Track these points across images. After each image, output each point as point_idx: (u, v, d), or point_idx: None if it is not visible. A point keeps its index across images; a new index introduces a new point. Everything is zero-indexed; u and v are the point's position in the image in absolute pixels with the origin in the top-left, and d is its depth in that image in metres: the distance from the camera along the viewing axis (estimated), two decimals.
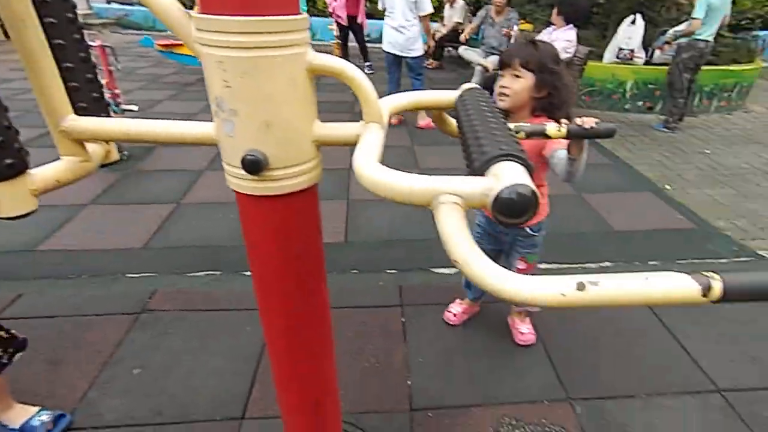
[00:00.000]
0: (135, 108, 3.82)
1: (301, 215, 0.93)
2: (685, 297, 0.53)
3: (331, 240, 2.66)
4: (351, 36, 6.94)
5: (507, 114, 1.49)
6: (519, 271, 1.74)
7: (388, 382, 1.68)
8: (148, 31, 9.90)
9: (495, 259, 1.74)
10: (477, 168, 0.63)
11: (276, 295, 0.97)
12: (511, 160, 0.62)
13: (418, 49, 4.56)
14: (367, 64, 7.23)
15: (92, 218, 2.81)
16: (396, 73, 4.75)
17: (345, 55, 7.17)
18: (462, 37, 5.68)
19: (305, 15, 0.79)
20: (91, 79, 0.98)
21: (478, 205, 0.58)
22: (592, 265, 2.43)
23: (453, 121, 1.15)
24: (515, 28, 5.09)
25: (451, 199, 0.60)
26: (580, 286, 0.54)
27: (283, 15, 0.72)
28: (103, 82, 3.21)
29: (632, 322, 2.01)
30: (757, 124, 5.37)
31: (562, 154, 1.38)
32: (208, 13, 0.68)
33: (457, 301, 2.03)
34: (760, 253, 2.66)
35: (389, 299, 2.11)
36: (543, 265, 2.42)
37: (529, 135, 1.16)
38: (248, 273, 2.40)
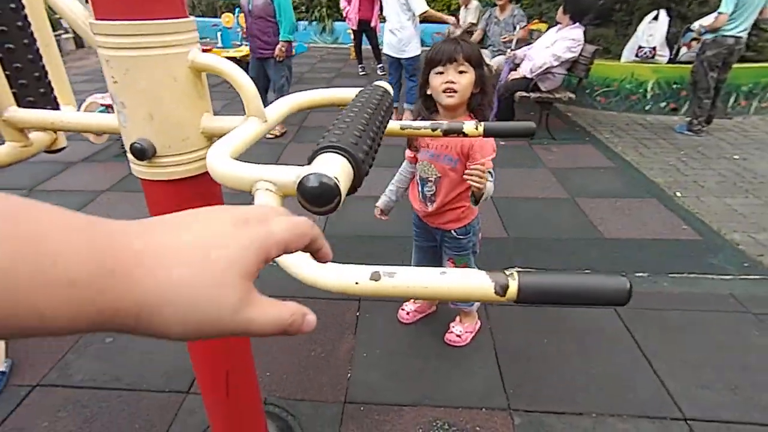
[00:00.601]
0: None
1: (202, 199, 1.01)
2: (479, 294, 0.57)
3: None
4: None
5: (451, 110, 1.49)
6: None
7: (329, 373, 1.75)
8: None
9: (432, 256, 1.77)
10: (309, 158, 0.69)
11: None
12: (335, 152, 0.67)
13: (411, 50, 4.60)
14: (380, 66, 7.43)
15: (107, 204, 3.03)
16: (396, 74, 4.83)
17: (359, 57, 7.37)
18: (473, 40, 5.60)
19: (190, 18, 0.87)
20: (38, 77, 1.11)
21: (291, 193, 0.63)
22: None
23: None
24: (518, 27, 5.01)
25: (265, 186, 0.66)
26: (375, 276, 0.58)
27: (168, 18, 0.80)
28: None
29: (599, 332, 1.98)
30: None
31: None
32: (98, 19, 0.78)
33: (411, 299, 2.06)
34: None
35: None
36: (516, 270, 2.41)
37: (447, 133, 1.19)
38: None
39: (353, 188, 0.72)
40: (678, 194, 3.37)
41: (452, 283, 0.58)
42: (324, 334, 1.94)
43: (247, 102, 0.89)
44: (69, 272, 0.23)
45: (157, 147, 0.88)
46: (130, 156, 0.88)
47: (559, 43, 4.29)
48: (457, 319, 1.93)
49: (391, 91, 1.07)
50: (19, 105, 1.05)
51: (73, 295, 0.23)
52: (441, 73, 1.44)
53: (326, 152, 0.69)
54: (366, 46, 7.22)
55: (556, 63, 4.27)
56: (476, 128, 1.19)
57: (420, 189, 1.68)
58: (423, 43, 4.66)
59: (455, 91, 1.43)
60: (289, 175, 0.64)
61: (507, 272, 0.57)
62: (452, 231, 1.68)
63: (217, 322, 0.27)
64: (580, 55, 4.30)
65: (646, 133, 4.73)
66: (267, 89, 4.54)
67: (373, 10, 6.64)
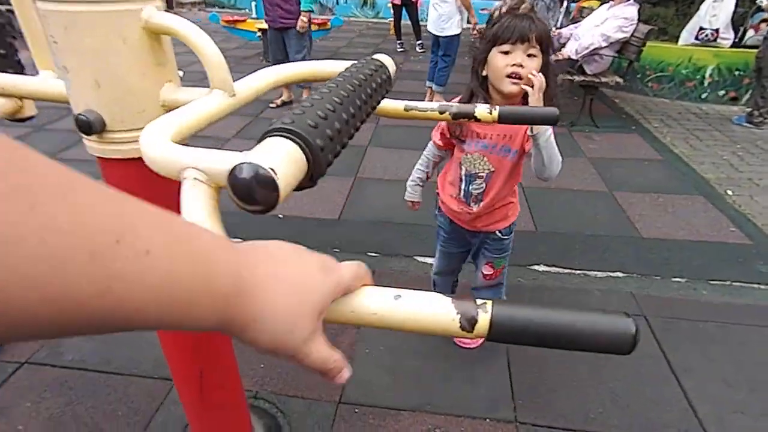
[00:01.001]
0: (181, 73, 4.06)
1: (166, 184, 0.90)
2: (440, 327, 0.44)
3: (325, 216, 2.64)
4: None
5: (510, 99, 1.26)
6: (485, 276, 1.60)
7: None
8: (229, 9, 10.48)
9: (462, 261, 1.58)
10: (258, 140, 0.55)
11: None
12: (284, 137, 0.53)
13: (450, 28, 4.34)
14: (419, 42, 7.18)
15: None
16: (436, 52, 4.54)
17: (398, 33, 7.15)
18: None
19: None
20: (3, 42, 1.03)
21: (223, 185, 0.50)
22: (599, 274, 2.20)
23: (385, 103, 1.05)
24: (566, 3, 4.62)
25: (194, 175, 0.54)
26: None
27: None
28: None
29: None
30: None
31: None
32: None
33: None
34: None
35: None
36: (542, 267, 2.23)
37: (456, 117, 1.03)
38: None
39: (310, 180, 0.58)
40: (729, 192, 3.06)
41: (408, 311, 0.45)
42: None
43: (210, 72, 0.76)
44: (221, 287, 0.29)
45: (106, 120, 0.77)
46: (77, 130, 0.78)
47: (609, 21, 3.94)
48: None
49: (390, 66, 0.91)
50: None
51: (219, 304, 0.29)
52: (507, 53, 1.21)
53: (275, 136, 0.55)
54: (406, 21, 7.00)
55: (604, 44, 3.93)
56: (490, 113, 1.03)
57: (463, 187, 1.42)
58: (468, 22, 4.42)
59: (520, 78, 1.21)
60: (223, 162, 0.50)
61: (478, 302, 0.43)
62: (497, 232, 1.48)
63: (290, 343, 0.33)
64: (632, 35, 3.94)
65: (699, 123, 4.34)
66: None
67: None
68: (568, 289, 2.09)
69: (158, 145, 0.58)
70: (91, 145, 0.81)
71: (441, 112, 1.06)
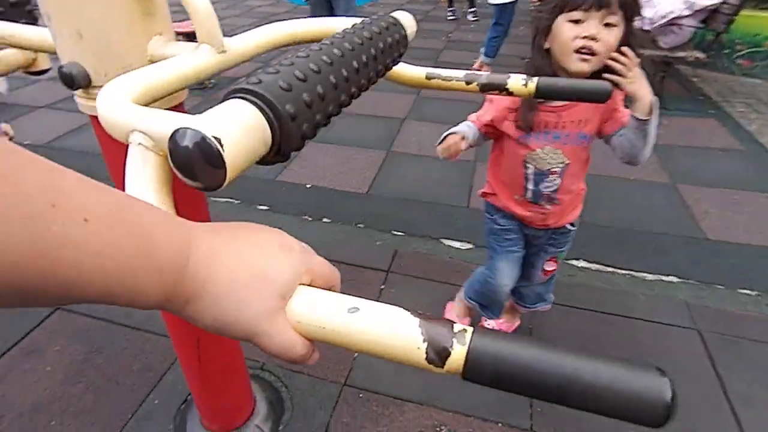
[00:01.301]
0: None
1: None
2: (402, 356, 0.37)
3: (353, 189, 2.58)
4: None
5: (580, 77, 1.04)
6: (546, 273, 1.43)
7: (335, 348, 1.61)
8: None
9: (519, 263, 1.41)
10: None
11: None
12: (245, 99, 0.45)
13: None
14: (471, 10, 6.79)
15: None
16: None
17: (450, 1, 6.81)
18: None
19: None
20: None
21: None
22: (649, 276, 1.99)
23: (405, 68, 0.95)
24: None
25: (138, 139, 0.47)
26: None
27: None
28: None
29: (672, 356, 1.61)
30: None
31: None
32: None
33: (455, 314, 1.71)
34: None
35: (378, 262, 1.99)
36: (581, 263, 2.05)
37: (484, 89, 0.91)
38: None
39: (279, 154, 0.49)
40: None
41: (364, 329, 0.37)
42: None
43: (197, 25, 0.67)
44: (162, 263, 0.29)
45: (90, 74, 0.72)
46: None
47: None
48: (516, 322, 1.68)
49: (408, 24, 0.80)
50: None
51: (160, 280, 0.29)
52: (578, 21, 1.00)
53: (235, 98, 0.47)
54: None
55: (687, 12, 3.47)
56: (525, 85, 0.89)
57: (531, 187, 1.21)
58: None
59: (593, 54, 1.01)
60: (167, 126, 0.43)
61: (455, 328, 0.34)
62: (567, 225, 1.30)
63: (240, 321, 0.32)
64: (723, 2, 3.45)
65: None
66: None
67: None
68: (608, 290, 1.91)
69: (111, 103, 0.51)
70: (80, 101, 0.77)
71: (468, 83, 0.94)
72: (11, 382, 1.47)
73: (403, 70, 0.94)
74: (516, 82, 0.90)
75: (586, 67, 1.03)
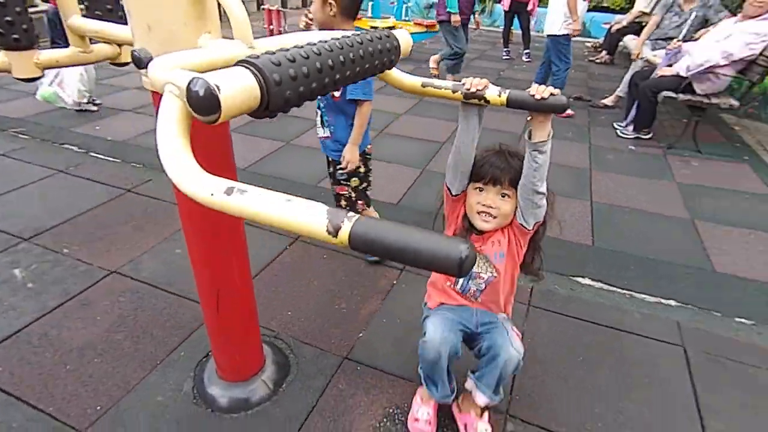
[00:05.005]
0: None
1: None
2: (312, 230, 0.53)
3: (384, 200, 2.77)
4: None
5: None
6: (519, 336, 1.34)
7: (343, 327, 1.77)
8: None
9: (451, 325, 1.28)
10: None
11: None
12: (245, 67, 0.66)
13: (551, 27, 4.30)
14: (526, 51, 7.09)
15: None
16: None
17: (505, 40, 7.14)
18: (643, 35, 4.71)
19: None
20: None
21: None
22: (648, 298, 2.02)
23: (403, 76, 1.14)
24: (715, 20, 4.08)
25: (169, 89, 0.68)
26: (229, 191, 0.58)
27: None
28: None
29: (652, 367, 1.64)
30: None
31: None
32: None
33: (420, 397, 1.43)
34: None
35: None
36: (586, 281, 2.11)
37: (467, 96, 1.08)
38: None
39: (266, 110, 0.69)
40: None
41: (292, 213, 0.54)
42: (353, 291, 1.96)
43: (234, 25, 0.90)
44: None
45: (154, 58, 0.96)
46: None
47: (735, 37, 3.48)
48: (470, 413, 1.39)
49: (402, 38, 1.00)
50: (89, 16, 1.22)
51: None
52: (481, 191, 1.22)
53: (240, 66, 0.68)
54: (517, 30, 6.94)
55: (724, 62, 3.49)
56: (499, 95, 1.06)
57: (461, 281, 1.33)
58: (588, 34, 4.30)
59: (494, 217, 1.21)
60: (188, 78, 0.63)
61: (349, 215, 0.51)
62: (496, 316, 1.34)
63: None
64: (761, 53, 3.45)
65: None
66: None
67: None
68: (605, 305, 1.96)
69: (155, 66, 0.73)
70: (145, 79, 0.99)
71: (453, 91, 1.12)
72: (67, 326, 1.72)
73: (403, 77, 1.14)
74: (492, 92, 1.07)
75: (487, 227, 1.22)
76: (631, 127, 4.03)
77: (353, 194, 1.98)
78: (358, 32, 0.90)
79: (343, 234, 0.49)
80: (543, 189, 1.14)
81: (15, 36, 1.09)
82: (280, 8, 5.95)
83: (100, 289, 1.91)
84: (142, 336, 1.68)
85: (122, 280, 1.96)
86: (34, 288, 1.89)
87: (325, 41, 0.79)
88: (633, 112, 4.04)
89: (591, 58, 7.38)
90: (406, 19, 6.72)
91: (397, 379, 1.56)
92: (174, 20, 0.90)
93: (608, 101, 4.90)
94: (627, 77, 4.59)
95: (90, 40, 1.25)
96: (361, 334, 1.74)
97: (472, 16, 5.27)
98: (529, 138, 1.12)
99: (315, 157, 3.30)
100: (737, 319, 1.91)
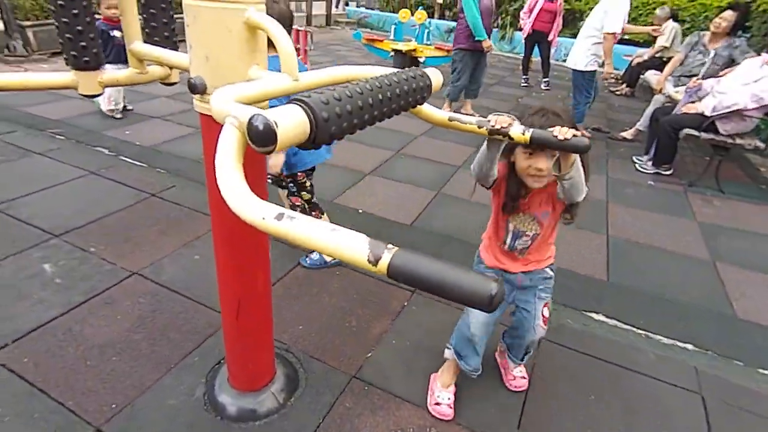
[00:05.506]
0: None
1: None
2: (354, 259, 0.58)
3: (399, 219, 2.81)
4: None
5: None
6: (545, 320, 1.52)
7: (353, 345, 1.80)
8: (378, 31, 11.44)
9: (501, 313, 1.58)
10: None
11: (221, 205, 1.26)
12: (298, 105, 0.72)
13: (576, 62, 4.40)
14: (545, 80, 7.15)
15: None
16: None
17: (524, 67, 7.24)
18: (666, 72, 4.76)
19: None
20: (166, 23, 1.39)
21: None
22: (665, 340, 2.00)
23: (432, 110, 1.20)
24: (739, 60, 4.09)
25: (230, 120, 0.75)
26: (279, 216, 0.64)
27: None
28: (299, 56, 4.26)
29: (668, 413, 1.62)
30: None
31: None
32: None
33: (440, 383, 1.60)
34: None
35: None
36: (599, 317, 2.11)
37: (491, 132, 1.14)
38: None
39: (314, 142, 0.76)
40: None
41: (335, 242, 0.59)
42: (364, 309, 2.00)
43: (282, 59, 0.98)
44: None
45: (207, 85, 1.04)
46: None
47: (766, 81, 3.48)
48: (508, 360, 1.69)
49: (433, 77, 1.06)
50: (148, 42, 1.32)
51: None
52: (530, 155, 1.27)
53: (293, 103, 0.75)
54: (537, 58, 7.01)
55: (753, 105, 3.48)
56: (523, 133, 1.10)
57: (509, 241, 1.45)
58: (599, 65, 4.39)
59: (545, 176, 1.28)
60: (249, 113, 0.70)
61: (389, 246, 0.55)
62: (547, 269, 1.50)
63: None
64: None
65: None
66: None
67: (553, 23, 6.38)
68: (619, 343, 1.95)
69: (219, 99, 0.80)
70: (197, 102, 1.08)
71: (479, 127, 1.18)
72: (90, 323, 1.79)
73: (432, 112, 1.20)
74: (516, 130, 1.12)
75: (538, 185, 1.30)
76: (651, 162, 4.03)
77: (306, 206, 2.24)
78: (396, 72, 0.97)
79: (383, 264, 0.54)
80: (582, 198, 1.26)
81: (86, 59, 1.19)
82: (307, 28, 6.17)
83: (123, 289, 1.99)
84: (159, 338, 1.74)
85: (143, 282, 2.04)
86: (62, 283, 1.98)
87: (367, 81, 0.86)
88: (653, 148, 4.04)
89: (612, 89, 7.40)
90: (428, 42, 6.83)
91: (404, 402, 1.58)
92: (230, 53, 0.98)
93: (628, 134, 4.89)
94: (648, 111, 4.59)
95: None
96: (370, 354, 1.77)
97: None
98: (558, 171, 1.21)
99: (332, 173, 3.38)
100: (760, 370, 1.88)
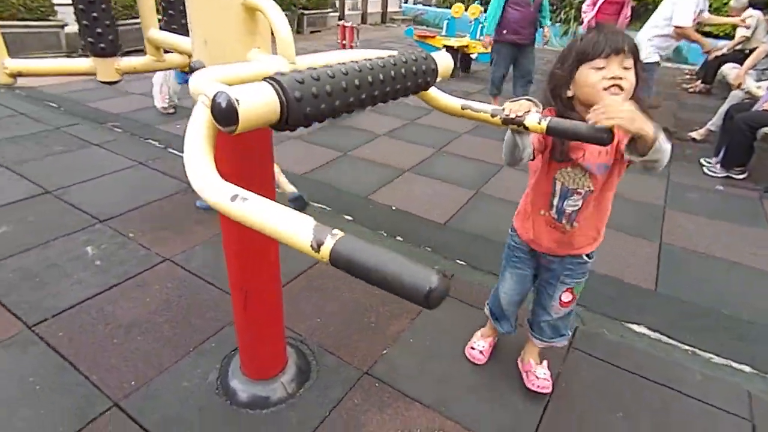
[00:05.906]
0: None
1: None
2: (296, 243, 0.56)
3: (433, 218, 2.75)
4: None
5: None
6: (563, 304, 1.47)
7: (369, 341, 1.77)
8: (432, 27, 11.21)
9: (523, 282, 1.53)
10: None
11: None
12: (267, 82, 0.70)
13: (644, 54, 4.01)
14: None
15: None
16: None
17: None
18: (747, 64, 4.31)
19: None
20: (183, 10, 1.42)
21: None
22: (716, 359, 1.80)
23: (443, 97, 1.15)
24: None
25: (201, 99, 0.74)
26: (233, 197, 0.62)
27: None
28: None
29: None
30: None
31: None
32: None
33: (480, 333, 1.80)
34: None
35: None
36: (641, 329, 1.94)
37: (506, 122, 1.07)
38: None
39: (285, 123, 0.73)
40: None
41: (282, 224, 0.56)
42: (384, 306, 1.96)
43: (278, 42, 0.97)
44: None
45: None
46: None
47: None
48: (530, 360, 1.62)
49: (441, 60, 1.01)
50: (166, 29, 1.37)
51: None
52: (601, 68, 1.11)
53: (264, 81, 0.73)
54: None
55: None
56: (539, 122, 1.02)
57: (556, 203, 1.32)
58: (684, 60, 4.06)
59: (622, 89, 1.10)
60: (216, 90, 0.69)
61: (334, 232, 0.52)
62: (584, 255, 1.39)
63: None
64: None
65: None
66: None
67: (619, 15, 5.96)
68: (661, 359, 1.77)
69: (196, 77, 0.80)
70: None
71: (492, 116, 1.11)
72: (120, 304, 1.89)
73: (441, 98, 1.15)
74: (532, 119, 1.04)
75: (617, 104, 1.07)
76: (719, 164, 3.66)
77: None
78: (394, 53, 0.92)
79: (325, 250, 0.51)
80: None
81: (102, 45, 1.24)
82: (356, 25, 6.22)
83: (155, 273, 2.08)
84: (181, 322, 1.81)
85: (174, 268, 2.12)
86: (101, 266, 2.11)
87: (356, 62, 0.82)
88: (723, 148, 3.67)
89: (685, 86, 6.83)
90: (480, 37, 6.67)
91: (414, 403, 1.53)
92: (227, 36, 0.98)
93: (697, 134, 4.48)
94: (722, 109, 4.18)
95: (163, 50, 1.40)
96: (385, 351, 1.73)
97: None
98: (635, 153, 1.06)
99: (370, 169, 3.38)
100: None
